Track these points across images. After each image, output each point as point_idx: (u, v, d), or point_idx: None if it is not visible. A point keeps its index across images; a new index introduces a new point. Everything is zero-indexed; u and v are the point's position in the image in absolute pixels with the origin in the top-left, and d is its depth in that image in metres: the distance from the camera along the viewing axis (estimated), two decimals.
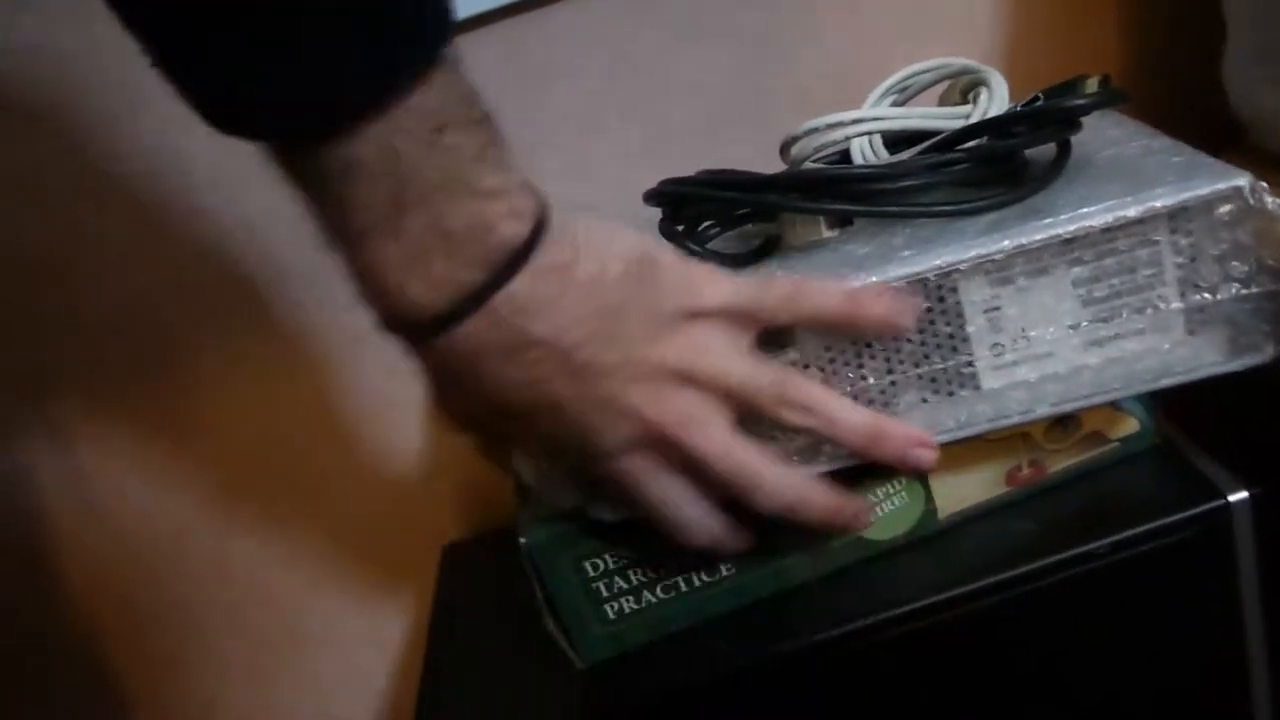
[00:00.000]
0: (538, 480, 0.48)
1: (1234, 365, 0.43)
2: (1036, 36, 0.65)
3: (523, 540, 0.49)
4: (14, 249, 0.62)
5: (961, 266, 0.42)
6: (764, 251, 0.50)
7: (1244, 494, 0.47)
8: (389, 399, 0.67)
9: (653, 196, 0.51)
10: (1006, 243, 0.42)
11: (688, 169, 0.63)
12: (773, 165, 0.53)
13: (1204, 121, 0.60)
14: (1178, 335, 0.43)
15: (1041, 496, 0.51)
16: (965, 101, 0.53)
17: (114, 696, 0.72)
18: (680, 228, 0.50)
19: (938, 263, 0.42)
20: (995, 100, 0.49)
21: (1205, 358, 0.43)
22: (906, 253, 0.44)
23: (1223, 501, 0.47)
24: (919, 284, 0.43)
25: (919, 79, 0.54)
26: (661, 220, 0.50)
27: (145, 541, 0.68)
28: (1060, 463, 0.51)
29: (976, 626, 0.49)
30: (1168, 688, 0.51)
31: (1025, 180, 0.46)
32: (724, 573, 0.50)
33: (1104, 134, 0.50)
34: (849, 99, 0.62)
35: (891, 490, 0.50)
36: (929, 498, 0.50)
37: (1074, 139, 0.47)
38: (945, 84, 0.54)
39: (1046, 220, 0.42)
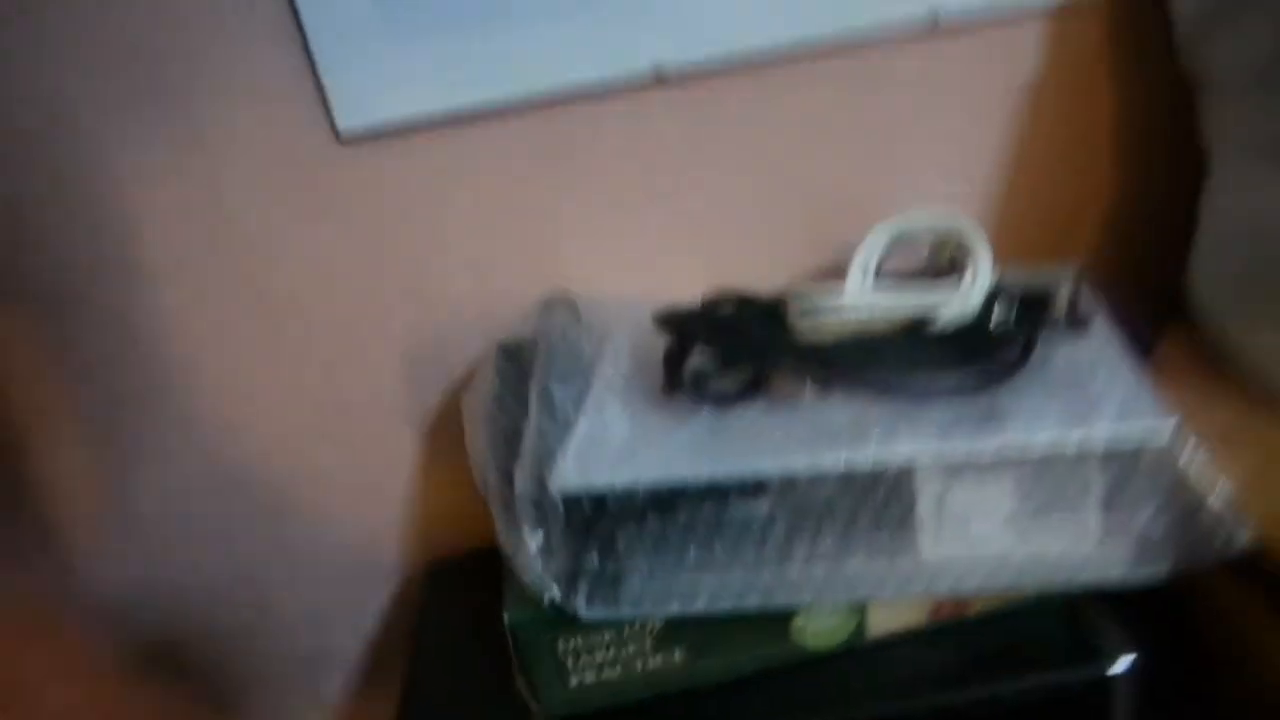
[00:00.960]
0: (529, 571, 0.54)
1: (1133, 577, 0.50)
2: (1029, 186, 0.70)
3: (506, 615, 0.55)
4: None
5: (922, 463, 0.49)
6: (751, 389, 0.55)
7: (1130, 658, 0.55)
8: (387, 413, 0.73)
9: (662, 323, 0.56)
10: (963, 446, 0.48)
11: (697, 261, 0.69)
12: (776, 261, 0.58)
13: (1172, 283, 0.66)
14: (1093, 543, 0.50)
15: (957, 629, 0.58)
16: (952, 264, 0.58)
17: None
18: (683, 356, 0.56)
19: (901, 457, 0.49)
20: (979, 278, 0.54)
21: (1111, 568, 0.50)
22: (877, 430, 0.50)
23: (1110, 663, 0.55)
24: (882, 471, 0.49)
25: (916, 229, 0.60)
26: (667, 353, 0.55)
27: (142, 535, 0.74)
28: (980, 605, 0.58)
29: None
30: None
31: (993, 366, 0.52)
32: (677, 660, 0.58)
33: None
34: (852, 214, 0.68)
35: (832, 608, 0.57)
36: (862, 619, 0.58)
37: None
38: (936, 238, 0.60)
39: (1005, 429, 0.48)
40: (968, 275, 0.55)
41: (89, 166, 0.63)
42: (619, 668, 0.57)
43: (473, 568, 0.75)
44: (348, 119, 0.62)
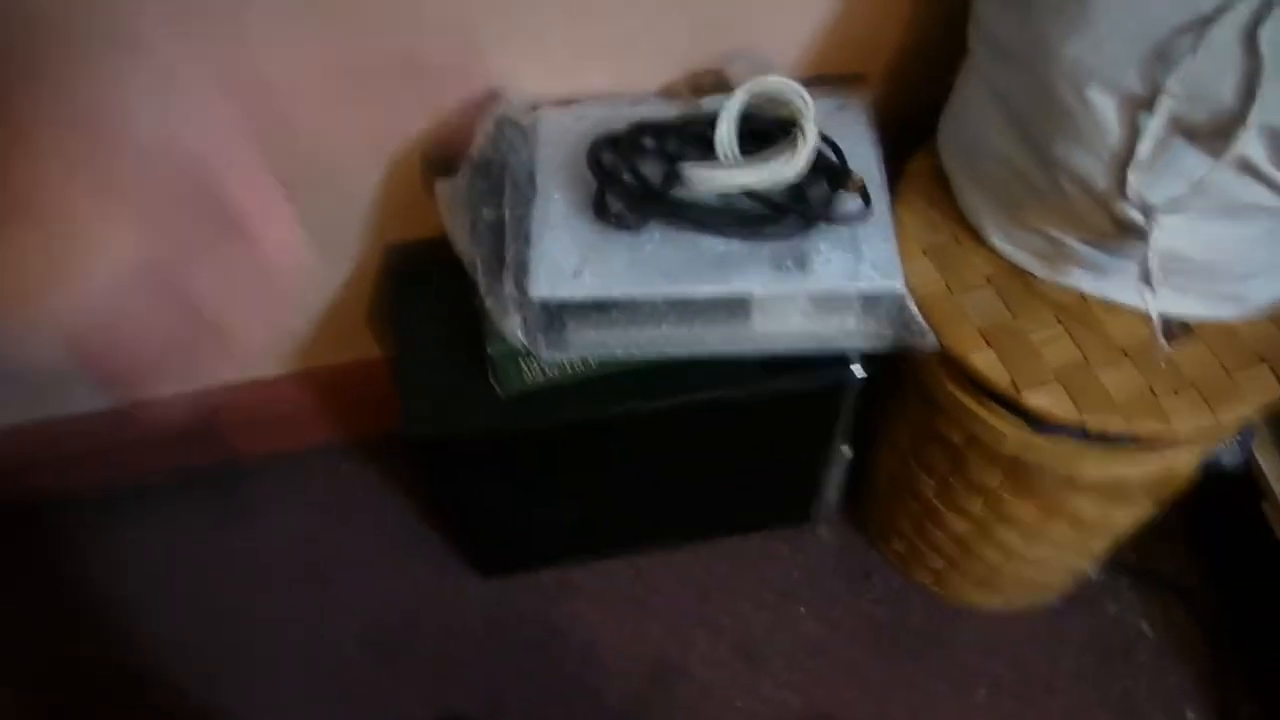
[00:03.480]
0: (510, 333, 0.84)
1: (869, 349, 0.86)
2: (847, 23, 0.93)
3: (489, 349, 0.87)
4: None
5: (758, 294, 0.80)
6: (649, 223, 0.83)
7: (860, 368, 0.93)
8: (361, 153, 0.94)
9: (590, 169, 0.81)
10: (781, 287, 0.80)
11: (614, 66, 0.91)
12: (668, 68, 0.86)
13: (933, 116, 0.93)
14: (851, 330, 0.85)
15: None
16: (791, 119, 0.83)
17: None
18: (604, 196, 0.82)
19: (744, 289, 0.80)
20: (803, 154, 0.81)
21: (858, 343, 0.85)
22: (733, 270, 0.80)
23: (850, 367, 0.92)
24: (733, 293, 0.81)
25: (770, 89, 0.84)
26: (595, 196, 0.82)
27: None
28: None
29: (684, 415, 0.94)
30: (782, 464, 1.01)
31: (805, 221, 0.82)
32: (592, 364, 0.91)
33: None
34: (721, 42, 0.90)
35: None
36: None
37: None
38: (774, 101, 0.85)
39: (806, 276, 0.80)
40: (798, 151, 0.81)
41: None
42: (557, 370, 0.91)
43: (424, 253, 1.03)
44: None
